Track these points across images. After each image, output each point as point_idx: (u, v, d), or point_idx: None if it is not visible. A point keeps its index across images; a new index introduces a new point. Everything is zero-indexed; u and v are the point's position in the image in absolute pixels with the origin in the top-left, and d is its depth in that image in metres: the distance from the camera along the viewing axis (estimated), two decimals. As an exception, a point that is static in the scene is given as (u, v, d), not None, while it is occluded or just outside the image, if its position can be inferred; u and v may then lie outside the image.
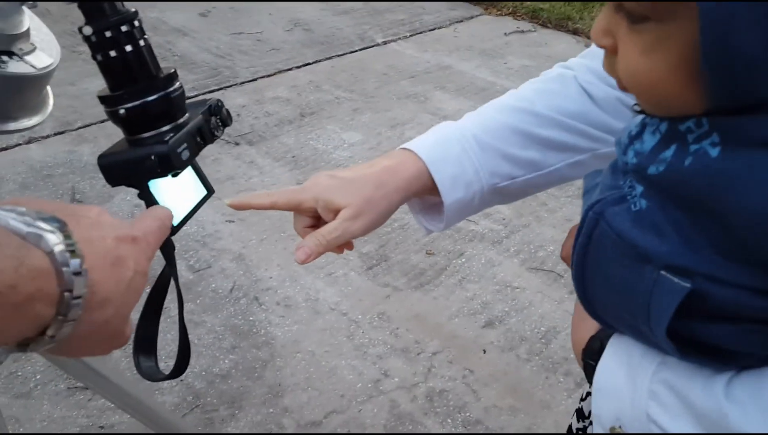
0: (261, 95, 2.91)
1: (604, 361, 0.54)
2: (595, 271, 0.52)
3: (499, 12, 3.82)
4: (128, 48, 0.51)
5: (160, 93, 0.53)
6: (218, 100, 0.61)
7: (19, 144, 2.49)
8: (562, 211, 2.18)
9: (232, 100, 2.86)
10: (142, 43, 0.52)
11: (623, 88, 0.46)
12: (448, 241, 2.08)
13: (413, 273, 1.95)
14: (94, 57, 0.51)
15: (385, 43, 3.47)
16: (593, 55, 0.74)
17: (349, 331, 1.75)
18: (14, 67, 0.49)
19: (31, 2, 0.48)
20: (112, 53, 0.51)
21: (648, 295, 0.46)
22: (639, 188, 0.47)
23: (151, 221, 0.45)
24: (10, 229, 0.31)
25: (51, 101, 0.58)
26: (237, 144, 2.54)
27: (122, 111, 0.52)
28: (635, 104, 0.52)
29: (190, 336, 1.80)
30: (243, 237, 2.06)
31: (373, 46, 3.43)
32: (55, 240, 0.32)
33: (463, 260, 2.01)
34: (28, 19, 0.53)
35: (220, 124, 0.60)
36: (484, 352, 1.70)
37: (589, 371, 0.58)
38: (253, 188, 2.29)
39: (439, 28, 3.63)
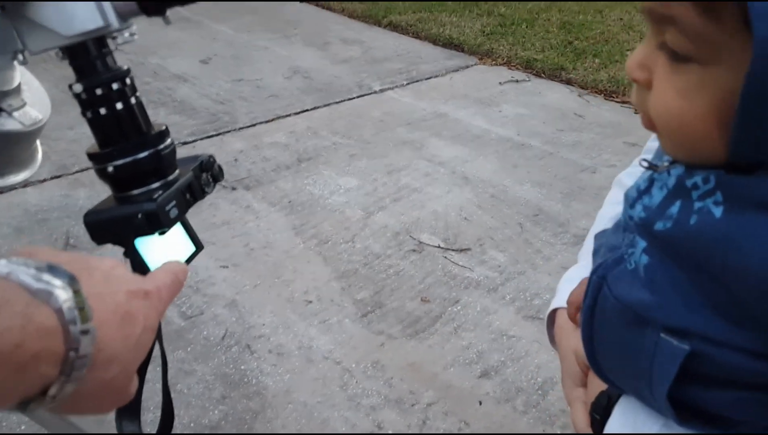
0: (259, 141, 2.94)
1: (612, 421, 0.54)
2: (601, 334, 0.52)
3: (494, 62, 3.89)
4: (119, 106, 0.51)
5: (149, 150, 0.53)
6: (210, 156, 0.61)
7: (15, 187, 2.49)
8: (557, 259, 2.18)
9: (230, 146, 2.89)
10: (133, 100, 0.52)
11: (650, 125, 0.45)
12: (444, 288, 2.06)
13: (408, 320, 1.93)
14: (84, 114, 0.52)
15: (382, 90, 3.52)
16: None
17: (343, 381, 1.72)
18: (2, 123, 0.49)
19: (22, 58, 0.48)
20: (102, 111, 0.51)
21: (650, 358, 0.46)
22: (642, 244, 0.47)
23: (165, 275, 0.44)
24: (20, 283, 0.31)
25: (39, 156, 0.58)
26: (234, 189, 2.54)
27: (111, 168, 0.52)
28: (644, 159, 0.52)
29: (179, 385, 1.76)
30: (237, 283, 2.05)
31: (370, 94, 3.48)
32: (64, 296, 0.32)
33: (459, 308, 1.99)
34: (19, 75, 0.53)
35: (211, 180, 0.60)
36: (480, 403, 1.66)
37: (595, 425, 0.58)
38: (249, 233, 2.28)
39: (435, 76, 3.70)
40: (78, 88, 0.50)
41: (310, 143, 2.92)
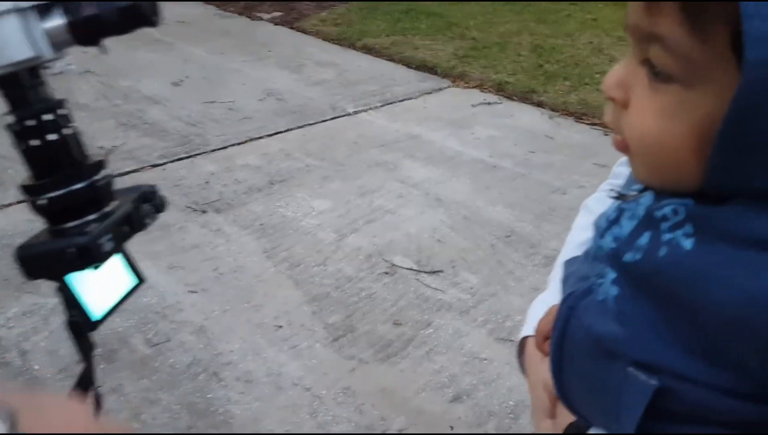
0: (231, 163, 2.91)
1: None
2: (570, 366, 0.50)
3: (466, 84, 3.94)
4: (51, 137, 0.49)
5: (84, 182, 0.51)
6: (152, 186, 0.59)
7: (-21, 212, 2.44)
8: (529, 280, 2.18)
9: (201, 168, 2.86)
10: (66, 131, 0.50)
11: (623, 147, 0.44)
12: (416, 310, 2.05)
13: (380, 344, 1.91)
14: (16, 146, 0.50)
15: (356, 112, 3.53)
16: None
17: (312, 408, 1.69)
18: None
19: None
20: (34, 142, 0.49)
21: (617, 392, 0.44)
22: (611, 275, 0.46)
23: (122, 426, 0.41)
24: None
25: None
26: (204, 212, 2.52)
27: (43, 201, 0.50)
28: (611, 189, 0.51)
29: (144, 415, 1.71)
30: (205, 308, 2.01)
31: (344, 116, 3.49)
32: None
33: (431, 331, 1.97)
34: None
35: (152, 210, 0.58)
36: (452, 428, 1.64)
37: None
38: (219, 257, 2.25)
39: (409, 99, 3.72)
40: (9, 119, 0.48)
41: (283, 165, 2.91)
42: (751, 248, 0.38)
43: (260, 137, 3.18)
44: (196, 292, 2.07)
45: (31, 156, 0.50)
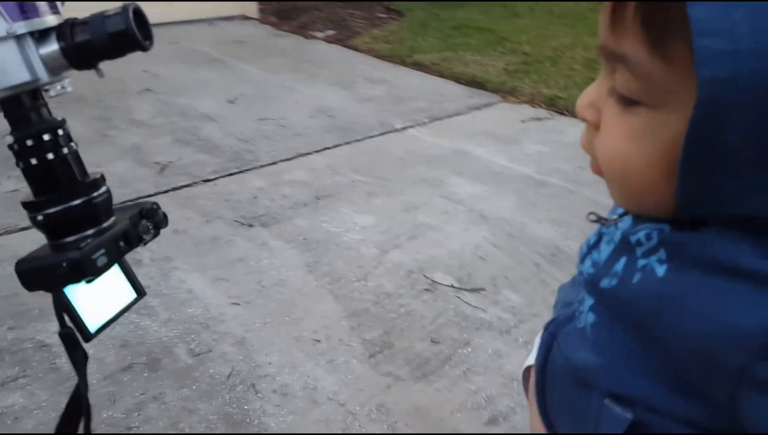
0: (279, 178, 2.98)
1: None
2: (552, 393, 0.50)
3: (517, 100, 3.89)
4: (50, 156, 0.52)
5: (82, 199, 0.54)
6: (153, 203, 0.61)
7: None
8: (574, 300, 2.11)
9: (250, 183, 2.93)
10: (65, 150, 0.53)
11: (597, 169, 0.44)
12: (455, 329, 2.02)
13: (417, 362, 1.89)
14: (17, 164, 0.53)
15: (404, 129, 3.55)
16: None
17: (346, 423, 1.69)
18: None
19: None
20: (33, 161, 0.52)
21: (595, 424, 0.44)
22: (589, 301, 0.46)
23: None
24: None
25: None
26: (251, 226, 2.57)
27: (41, 217, 0.53)
28: (591, 212, 0.51)
29: (182, 424, 1.75)
30: (247, 320, 2.05)
31: (392, 132, 3.51)
32: None
33: (470, 350, 1.94)
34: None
35: (151, 227, 0.60)
36: (485, 450, 1.61)
37: None
38: (262, 270, 2.29)
39: (457, 115, 3.71)
40: (9, 139, 0.51)
41: (329, 181, 2.95)
42: (722, 276, 0.36)
43: (308, 153, 3.23)
44: (239, 304, 2.12)
45: (30, 174, 0.53)
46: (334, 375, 1.85)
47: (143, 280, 2.07)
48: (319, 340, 1.97)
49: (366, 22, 5.86)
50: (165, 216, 0.62)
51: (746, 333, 0.34)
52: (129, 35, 0.49)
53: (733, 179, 0.35)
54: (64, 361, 1.87)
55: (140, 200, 0.61)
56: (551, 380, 0.49)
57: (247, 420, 1.69)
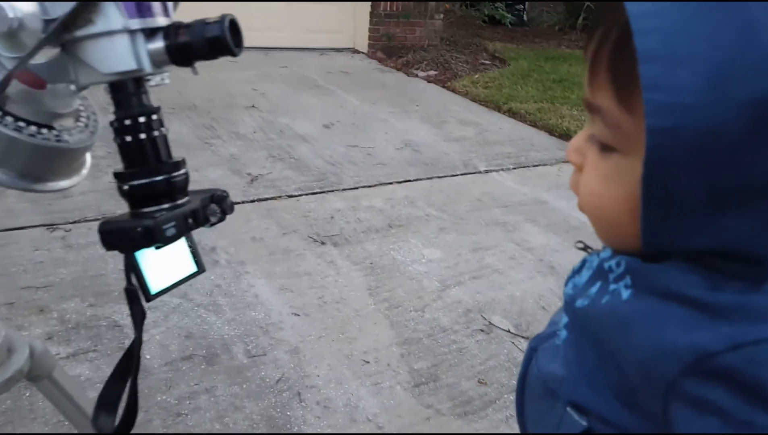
0: (357, 202, 3.08)
1: None
2: (529, 404, 0.54)
3: (607, 157, 3.83)
4: (142, 136, 0.61)
5: (163, 176, 0.62)
6: (223, 192, 0.69)
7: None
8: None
9: (330, 204, 3.05)
10: (156, 133, 0.62)
11: (581, 207, 0.49)
12: (504, 373, 2.00)
13: (460, 399, 1.89)
14: (114, 140, 0.62)
15: (487, 171, 3.57)
16: None
17: (380, 447, 1.71)
18: (47, 139, 0.61)
19: (74, 88, 0.59)
20: (128, 138, 0.61)
21: (556, 427, 0.49)
22: (564, 319, 0.50)
23: None
24: None
25: (85, 170, 0.70)
26: (323, 243, 2.67)
27: (126, 187, 0.61)
28: (579, 241, 0.55)
29: (227, 419, 1.83)
30: (303, 331, 2.13)
31: (474, 173, 3.54)
32: None
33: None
34: (76, 102, 0.65)
35: (218, 211, 0.67)
36: (516, 501, 1.57)
37: None
38: (326, 287, 2.38)
39: (543, 165, 3.69)
40: (111, 117, 0.60)
41: (405, 211, 3.01)
42: (671, 302, 0.40)
43: (389, 183, 3.33)
44: (298, 314, 2.20)
45: (124, 149, 0.62)
46: (377, 398, 1.87)
47: (217, 280, 2.21)
48: (368, 362, 2.01)
49: (469, 67, 5.96)
50: (232, 204, 0.69)
51: (679, 351, 0.38)
52: (222, 42, 0.58)
53: (687, 219, 0.39)
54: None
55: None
56: (528, 389, 0.53)
57: (288, 426, 1.75)
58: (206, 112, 4.05)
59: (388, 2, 6.07)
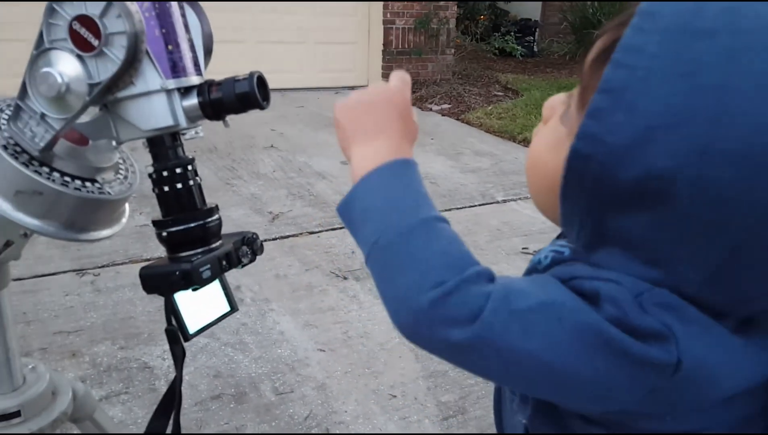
0: (378, 237, 3.11)
1: None
2: (507, 417, 0.59)
3: (625, 181, 3.83)
4: (179, 186, 0.65)
5: (198, 222, 0.66)
6: (253, 234, 0.73)
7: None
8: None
9: (350, 239, 3.06)
10: (191, 182, 0.66)
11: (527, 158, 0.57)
12: (532, 405, 1.99)
13: (490, 432, 1.88)
14: (153, 190, 0.66)
15: (504, 201, 3.59)
16: None
17: (411, 482, 1.70)
18: (92, 192, 0.65)
19: (115, 144, 0.64)
20: (166, 188, 0.65)
21: (510, 417, 0.55)
22: None
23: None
24: None
25: (125, 219, 0.74)
26: (345, 278, 2.70)
27: (165, 233, 0.65)
28: (524, 247, 0.69)
29: (257, 456, 1.81)
30: (329, 367, 2.14)
31: (492, 203, 3.57)
32: None
33: (546, 428, 1.90)
34: (117, 156, 0.70)
35: (249, 252, 0.71)
36: None
37: None
38: (350, 321, 2.40)
39: (561, 191, 3.71)
40: (149, 169, 0.65)
41: (425, 244, 3.03)
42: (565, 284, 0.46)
43: (409, 216, 3.36)
44: (324, 350, 2.22)
45: (161, 198, 0.66)
46: (405, 432, 1.87)
47: (243, 319, 2.24)
48: (395, 396, 2.02)
49: (482, 99, 6.04)
50: (262, 245, 0.73)
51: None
52: (251, 97, 0.62)
53: (585, 217, 0.45)
54: (162, 383, 2.04)
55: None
56: (504, 403, 0.58)
57: (318, 462, 1.76)
58: (227, 154, 4.15)
59: (399, 40, 6.21)
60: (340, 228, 3.20)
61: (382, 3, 6.07)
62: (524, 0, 8.66)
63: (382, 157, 0.54)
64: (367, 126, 0.56)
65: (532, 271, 0.55)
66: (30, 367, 0.83)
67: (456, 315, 0.43)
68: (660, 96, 0.39)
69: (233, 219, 3.18)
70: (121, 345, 2.19)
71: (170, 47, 0.61)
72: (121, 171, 0.71)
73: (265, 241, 3.00)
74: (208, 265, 0.65)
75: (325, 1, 5.82)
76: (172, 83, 0.61)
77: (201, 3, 0.67)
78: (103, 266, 2.66)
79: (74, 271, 2.64)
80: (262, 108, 0.64)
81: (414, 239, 0.48)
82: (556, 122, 0.50)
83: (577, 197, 0.45)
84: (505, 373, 0.44)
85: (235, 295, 2.52)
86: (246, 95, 0.62)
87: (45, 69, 0.59)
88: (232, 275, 2.40)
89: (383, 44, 6.17)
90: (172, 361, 2.23)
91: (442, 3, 6.27)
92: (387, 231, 0.49)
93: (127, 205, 0.74)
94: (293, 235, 3.10)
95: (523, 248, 0.66)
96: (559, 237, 0.61)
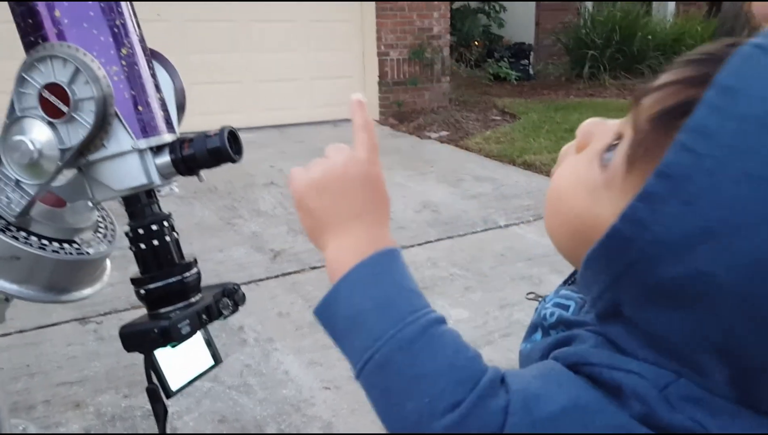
0: (380, 269, 3.09)
1: None
2: None
3: (626, 200, 3.82)
4: (155, 242, 0.65)
5: (176, 278, 0.66)
6: (234, 285, 0.73)
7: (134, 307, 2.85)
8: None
9: (353, 273, 3.07)
10: (168, 238, 0.66)
11: (552, 183, 0.51)
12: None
13: (500, 465, 1.84)
14: (130, 248, 0.66)
15: (507, 226, 3.59)
16: None
17: None
18: (70, 253, 0.65)
19: (91, 205, 0.65)
20: (142, 246, 0.65)
21: None
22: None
23: None
24: None
25: (106, 277, 0.74)
26: (349, 314, 2.68)
27: (143, 291, 0.65)
28: (529, 292, 0.63)
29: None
30: (335, 406, 2.11)
31: (495, 228, 3.56)
32: None
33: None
34: (95, 215, 0.70)
35: (230, 304, 0.71)
36: None
37: None
38: (355, 358, 2.37)
39: (562, 213, 3.69)
40: (126, 228, 0.65)
41: (428, 273, 3.02)
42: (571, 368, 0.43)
43: (411, 246, 3.35)
44: (329, 388, 2.20)
45: (139, 256, 0.66)
46: (415, 469, 1.84)
47: (246, 360, 2.23)
48: (403, 432, 1.98)
49: (480, 124, 6.08)
50: (243, 295, 0.72)
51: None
52: (223, 152, 0.63)
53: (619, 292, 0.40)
54: (168, 431, 2.02)
55: (226, 282, 0.72)
56: None
57: (326, 505, 1.72)
58: (227, 193, 4.17)
59: (395, 71, 6.28)
60: (343, 262, 3.20)
61: (375, 36, 6.16)
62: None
63: (362, 249, 0.48)
64: (341, 210, 0.51)
65: (537, 325, 0.53)
66: (20, 428, 0.82)
67: None
68: (726, 196, 0.34)
69: (235, 258, 3.18)
70: (125, 393, 2.17)
71: (140, 108, 0.62)
72: (100, 229, 0.71)
73: (267, 279, 3.00)
74: (187, 321, 0.65)
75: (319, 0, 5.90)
76: (143, 143, 0.62)
77: (171, 62, 0.68)
78: (105, 314, 2.66)
79: (77, 320, 2.63)
80: (234, 162, 0.64)
81: (417, 353, 0.42)
82: (593, 160, 0.44)
83: (602, 272, 0.40)
84: None
85: (238, 336, 2.51)
86: (218, 150, 0.63)
87: (17, 137, 0.59)
88: (234, 316, 2.39)
89: (379, 76, 6.24)
90: (177, 407, 2.20)
91: (435, 32, 6.36)
92: (383, 345, 0.44)
93: (108, 262, 0.74)
94: (295, 272, 3.09)
95: (528, 294, 0.66)
96: (565, 282, 0.59)
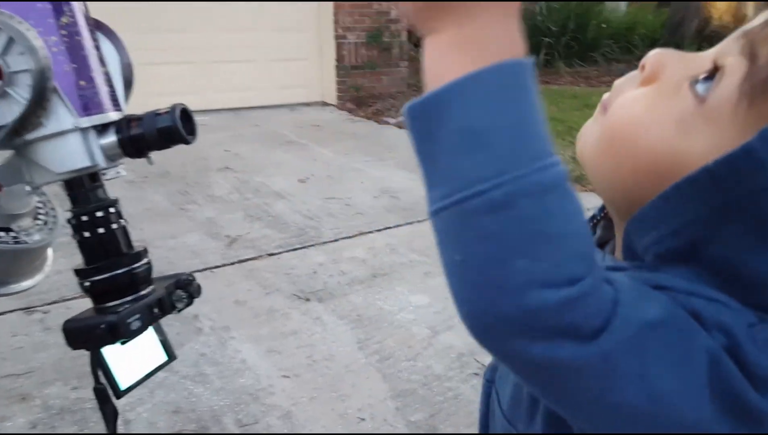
0: (339, 255, 3.07)
1: None
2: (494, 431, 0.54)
3: (582, 188, 3.86)
4: (100, 230, 0.60)
5: (124, 269, 0.61)
6: (188, 275, 0.68)
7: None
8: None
9: (311, 258, 3.03)
10: (114, 226, 0.61)
11: (602, 109, 0.47)
12: (502, 418, 1.97)
13: (460, 450, 1.85)
14: (73, 236, 0.61)
15: (465, 211, 3.59)
16: None
17: (383, 509, 1.65)
18: (6, 242, 0.60)
19: (29, 189, 0.59)
20: (86, 234, 0.60)
21: None
22: None
23: None
24: None
25: (47, 267, 0.69)
26: (308, 300, 2.65)
27: (87, 283, 0.60)
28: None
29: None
30: (294, 394, 2.08)
31: (453, 214, 3.56)
32: None
33: (517, 441, 1.88)
34: (33, 201, 0.64)
35: (185, 296, 0.66)
36: None
37: None
38: (314, 344, 2.34)
39: (520, 198, 3.73)
40: (68, 215, 0.60)
41: (388, 259, 3.01)
42: None
43: (370, 232, 3.33)
44: (288, 377, 2.16)
45: (82, 245, 0.61)
46: (376, 456, 1.83)
47: (202, 349, 2.17)
48: (363, 419, 1.97)
49: (437, 108, 6.07)
50: (199, 287, 0.68)
51: None
52: (174, 132, 0.58)
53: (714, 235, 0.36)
54: (120, 423, 1.95)
55: (179, 272, 0.68)
56: (493, 429, 0.53)
57: (286, 495, 1.69)
58: (180, 178, 4.05)
59: (352, 55, 6.20)
60: (301, 248, 3.15)
61: (332, 19, 6.06)
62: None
63: (491, 51, 0.34)
64: None
65: None
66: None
67: (582, 325, 0.32)
68: None
69: (188, 245, 3.09)
70: (73, 385, 2.08)
71: (82, 82, 0.56)
72: (40, 216, 0.65)
73: (223, 266, 2.92)
74: (137, 315, 0.60)
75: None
76: (85, 121, 0.56)
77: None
78: (52, 303, 2.55)
79: (22, 309, 2.51)
80: (187, 143, 0.59)
81: (548, 207, 0.33)
82: (680, 91, 0.40)
83: (696, 201, 0.36)
84: (598, 401, 0.33)
85: (193, 325, 2.43)
86: (169, 129, 0.58)
87: (-58, 113, 0.53)
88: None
89: (336, 59, 6.15)
90: (130, 398, 2.13)
91: (393, 16, 6.29)
92: (508, 182, 0.32)
93: (50, 252, 0.68)
94: (252, 259, 3.03)
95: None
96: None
